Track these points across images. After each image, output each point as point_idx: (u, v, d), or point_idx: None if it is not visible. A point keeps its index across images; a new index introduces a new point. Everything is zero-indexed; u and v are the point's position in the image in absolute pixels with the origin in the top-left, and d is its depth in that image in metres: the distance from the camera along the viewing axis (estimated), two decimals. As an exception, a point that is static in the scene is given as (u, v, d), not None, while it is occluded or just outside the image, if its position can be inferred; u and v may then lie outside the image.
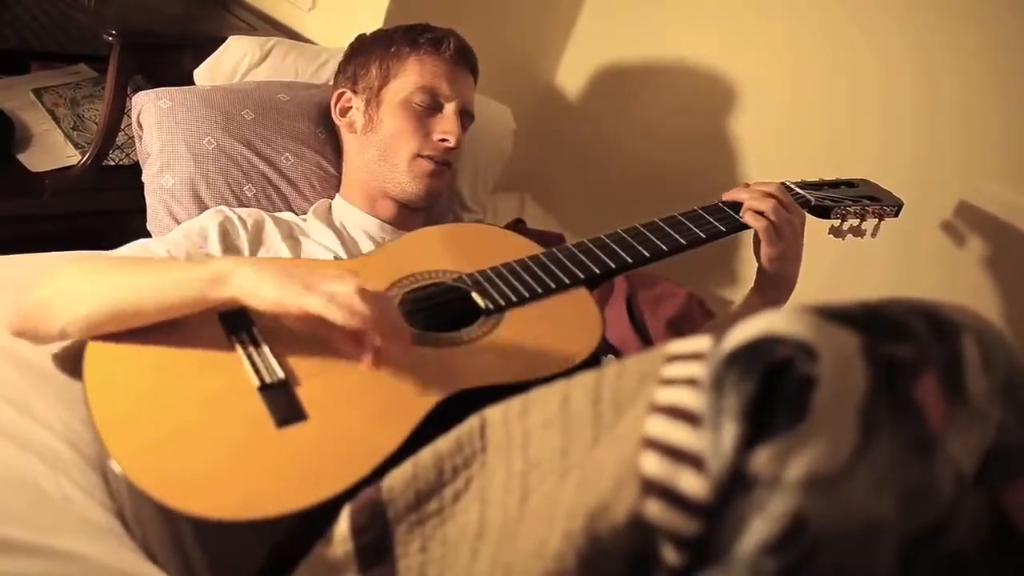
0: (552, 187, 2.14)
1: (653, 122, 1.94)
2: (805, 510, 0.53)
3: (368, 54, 1.34)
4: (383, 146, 1.29)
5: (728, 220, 1.18)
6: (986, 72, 1.46)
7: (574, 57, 2.08)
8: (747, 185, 1.22)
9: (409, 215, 1.33)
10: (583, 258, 1.10)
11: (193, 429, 0.83)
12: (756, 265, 1.21)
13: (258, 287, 0.87)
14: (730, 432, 0.55)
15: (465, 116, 1.33)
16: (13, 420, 0.92)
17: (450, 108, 1.29)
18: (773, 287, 1.21)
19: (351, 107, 1.34)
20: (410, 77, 1.29)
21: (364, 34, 1.39)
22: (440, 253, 1.13)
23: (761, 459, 0.54)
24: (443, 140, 1.28)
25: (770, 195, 1.17)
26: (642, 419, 0.60)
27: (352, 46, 1.39)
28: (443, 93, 1.29)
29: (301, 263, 0.96)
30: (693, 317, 1.37)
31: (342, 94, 1.35)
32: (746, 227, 1.18)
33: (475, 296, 1.05)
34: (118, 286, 0.91)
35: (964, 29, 1.47)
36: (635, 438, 0.59)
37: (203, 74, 1.50)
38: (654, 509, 0.57)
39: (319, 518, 0.77)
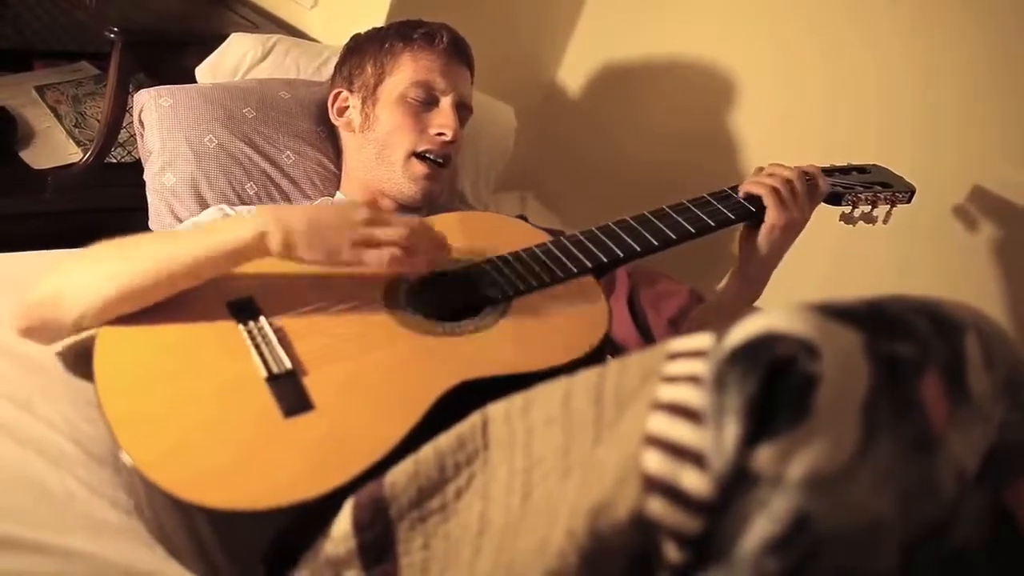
0: (554, 186, 2.14)
1: (655, 120, 1.94)
2: (807, 509, 0.53)
3: (363, 53, 1.34)
4: (380, 144, 1.29)
5: (736, 207, 1.17)
6: (987, 56, 1.45)
7: (576, 56, 2.08)
8: (761, 169, 1.23)
9: (409, 213, 1.33)
10: (590, 246, 1.10)
11: (202, 420, 0.84)
12: (742, 248, 1.21)
13: (297, 249, 0.93)
14: (732, 430, 0.55)
15: (463, 110, 1.32)
16: (16, 418, 0.92)
17: (446, 102, 1.29)
18: (762, 265, 1.20)
19: (348, 106, 1.34)
20: (404, 73, 1.29)
21: (359, 33, 1.40)
22: (450, 241, 1.12)
23: (763, 457, 0.54)
24: (440, 134, 1.27)
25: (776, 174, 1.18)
26: (644, 416, 0.60)
27: (347, 46, 1.39)
28: (438, 87, 1.29)
29: (314, 207, 0.99)
30: (693, 312, 1.36)
31: (339, 94, 1.35)
32: (753, 215, 1.17)
33: (482, 284, 1.05)
34: (136, 263, 0.91)
35: (963, 18, 1.47)
36: (637, 435, 0.59)
37: (205, 72, 1.50)
38: (656, 507, 0.57)
39: (327, 508, 0.77)
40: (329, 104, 1.37)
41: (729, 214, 1.16)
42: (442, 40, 1.31)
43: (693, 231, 1.13)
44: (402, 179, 1.28)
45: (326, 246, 0.93)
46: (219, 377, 0.88)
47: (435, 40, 1.30)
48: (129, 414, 0.83)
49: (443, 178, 1.32)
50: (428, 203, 1.32)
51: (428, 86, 1.28)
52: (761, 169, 1.23)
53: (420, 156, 1.27)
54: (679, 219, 1.14)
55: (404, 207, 1.31)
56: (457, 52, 1.33)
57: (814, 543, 0.53)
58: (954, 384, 0.60)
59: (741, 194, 1.19)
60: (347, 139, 1.36)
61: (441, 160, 1.28)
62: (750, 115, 1.79)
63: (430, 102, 1.29)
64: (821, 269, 1.58)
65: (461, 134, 1.30)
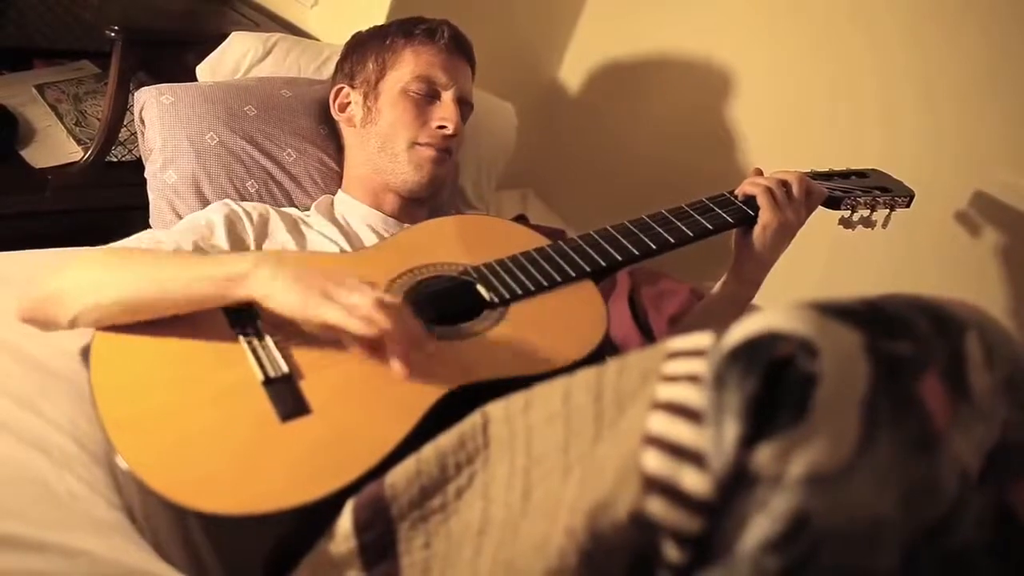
0: (555, 184, 2.13)
1: (656, 118, 1.94)
2: (807, 508, 0.53)
3: (364, 49, 1.35)
4: (383, 136, 1.29)
5: (735, 211, 1.17)
6: (987, 58, 1.45)
7: (577, 53, 2.08)
8: (759, 171, 1.23)
9: (412, 208, 1.33)
10: (589, 251, 1.10)
11: (198, 424, 0.84)
12: (737, 248, 1.21)
13: (276, 293, 0.90)
14: (732, 429, 0.55)
15: (464, 105, 1.32)
16: (19, 417, 0.92)
17: (448, 95, 1.29)
18: (756, 266, 1.19)
19: (349, 102, 1.35)
20: (406, 67, 1.29)
21: (360, 32, 1.40)
22: (447, 245, 1.12)
23: (763, 456, 0.54)
24: (441, 127, 1.28)
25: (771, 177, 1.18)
26: (644, 416, 0.60)
27: (348, 44, 1.40)
28: (440, 81, 1.29)
29: (316, 263, 0.97)
30: (690, 312, 1.36)
31: (340, 90, 1.36)
32: (752, 219, 1.16)
33: (480, 289, 1.05)
34: (135, 279, 0.92)
35: (963, 19, 1.47)
36: (637, 435, 0.59)
37: (205, 70, 1.50)
38: (656, 506, 0.57)
39: (325, 511, 0.77)
40: (331, 100, 1.37)
41: (728, 218, 1.16)
42: (443, 35, 1.31)
43: (692, 235, 1.13)
44: (407, 167, 1.28)
45: (301, 290, 0.89)
46: (216, 381, 0.88)
47: (436, 35, 1.31)
48: (125, 418, 0.83)
49: (447, 165, 1.32)
50: (434, 191, 1.32)
51: (429, 80, 1.29)
52: (759, 171, 1.22)
53: (423, 146, 1.28)
54: (679, 224, 1.14)
55: (410, 199, 1.31)
56: (458, 47, 1.33)
57: (814, 542, 0.53)
58: (955, 383, 0.60)
59: (739, 197, 1.19)
60: (349, 135, 1.36)
61: (443, 149, 1.29)
62: (751, 115, 1.79)
63: (432, 96, 1.29)
64: (821, 270, 1.58)
65: (462, 128, 1.31)
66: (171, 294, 0.91)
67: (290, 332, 0.94)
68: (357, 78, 1.34)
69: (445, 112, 1.28)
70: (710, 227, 1.14)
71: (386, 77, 1.31)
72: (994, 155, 1.46)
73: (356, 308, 0.88)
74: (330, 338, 0.91)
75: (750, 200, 1.18)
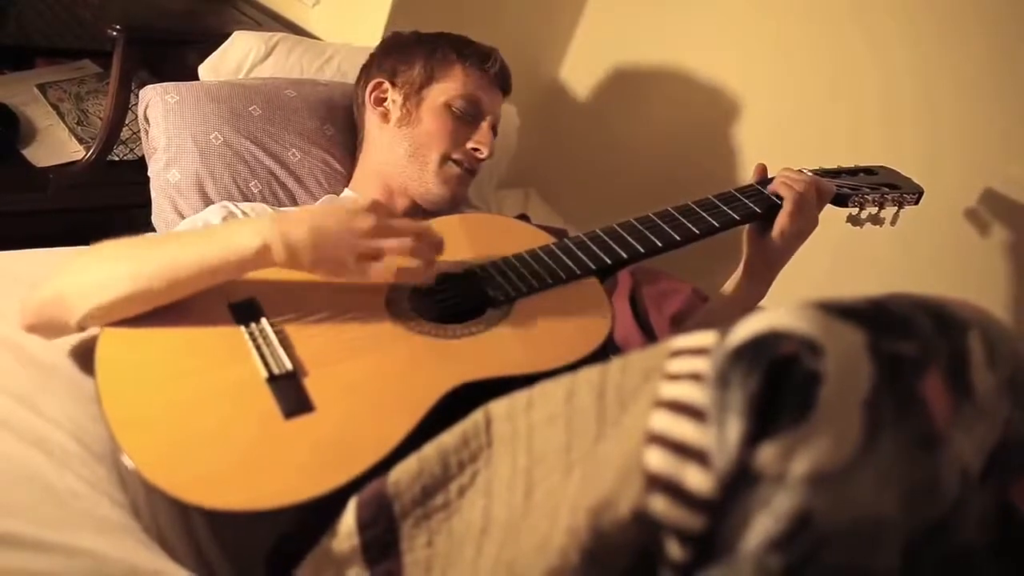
0: (556, 183, 2.14)
1: (656, 118, 1.94)
2: (810, 507, 0.53)
3: (411, 52, 1.35)
4: (416, 143, 1.30)
5: (762, 199, 1.17)
6: (987, 55, 1.45)
7: (578, 54, 2.08)
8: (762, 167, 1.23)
9: (418, 214, 1.33)
10: (594, 248, 1.10)
11: (203, 421, 0.84)
12: (751, 246, 1.21)
13: (304, 266, 0.93)
14: (735, 428, 0.55)
15: (493, 132, 1.35)
16: (19, 415, 0.92)
17: (486, 122, 1.32)
18: (768, 267, 1.21)
19: (387, 98, 1.34)
20: (455, 83, 1.31)
21: (399, 33, 1.40)
22: (451, 243, 1.12)
23: (766, 455, 0.54)
24: (476, 150, 1.30)
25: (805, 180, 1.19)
26: (646, 414, 0.60)
27: (388, 43, 1.40)
28: (484, 106, 1.32)
29: (318, 213, 0.97)
30: (697, 312, 1.36)
31: (379, 84, 1.35)
32: (775, 209, 1.17)
33: (485, 287, 1.05)
34: (141, 265, 0.91)
35: (962, 19, 1.48)
36: (639, 433, 0.59)
37: (207, 70, 1.50)
38: (658, 504, 0.57)
39: (328, 508, 0.77)
40: (366, 92, 1.35)
41: (734, 215, 1.15)
42: (495, 64, 1.34)
43: (698, 232, 1.13)
44: (433, 180, 1.29)
45: (331, 261, 0.93)
46: (221, 378, 0.88)
47: (488, 61, 1.33)
48: (131, 417, 0.84)
49: (468, 183, 1.34)
50: (452, 207, 1.33)
51: (475, 102, 1.31)
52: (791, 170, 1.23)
53: (454, 163, 1.30)
54: (684, 221, 1.14)
55: (423, 211, 1.31)
56: (502, 79, 1.36)
57: (816, 541, 0.53)
58: (957, 382, 0.60)
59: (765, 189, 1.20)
60: (376, 131, 1.35)
61: (471, 169, 1.32)
62: (752, 114, 1.79)
63: (474, 115, 1.31)
64: (825, 269, 1.58)
65: (494, 152, 1.34)
66: (181, 279, 0.91)
67: (295, 329, 0.94)
68: (400, 77, 1.33)
69: (482, 137, 1.31)
70: (716, 224, 1.14)
71: (432, 86, 1.31)
72: (995, 155, 1.46)
73: (398, 252, 0.94)
74: (325, 327, 0.93)
75: (775, 193, 1.19)
